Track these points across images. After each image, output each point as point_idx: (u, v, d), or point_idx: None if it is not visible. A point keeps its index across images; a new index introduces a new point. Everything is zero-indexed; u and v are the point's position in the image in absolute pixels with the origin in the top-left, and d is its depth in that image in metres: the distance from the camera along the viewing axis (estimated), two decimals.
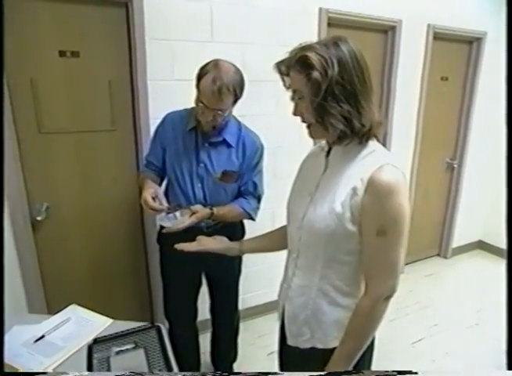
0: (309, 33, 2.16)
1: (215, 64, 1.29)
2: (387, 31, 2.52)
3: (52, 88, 1.65)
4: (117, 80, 1.79)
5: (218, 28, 1.91)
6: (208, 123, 1.35)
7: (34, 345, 1.10)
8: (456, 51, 2.94)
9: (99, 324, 1.22)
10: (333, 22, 2.22)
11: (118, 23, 1.72)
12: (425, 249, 3.40)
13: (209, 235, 1.21)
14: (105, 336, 1.09)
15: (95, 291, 1.97)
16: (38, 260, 1.76)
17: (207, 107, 1.29)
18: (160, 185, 1.50)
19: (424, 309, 2.68)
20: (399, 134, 2.75)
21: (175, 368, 0.98)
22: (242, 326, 1.94)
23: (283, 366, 1.13)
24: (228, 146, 1.45)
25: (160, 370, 0.96)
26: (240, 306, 1.85)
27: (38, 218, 1.70)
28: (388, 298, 0.86)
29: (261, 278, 2.40)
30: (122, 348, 1.02)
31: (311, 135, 0.91)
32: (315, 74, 0.79)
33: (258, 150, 1.51)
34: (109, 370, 0.96)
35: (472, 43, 2.96)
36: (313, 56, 0.79)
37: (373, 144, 0.88)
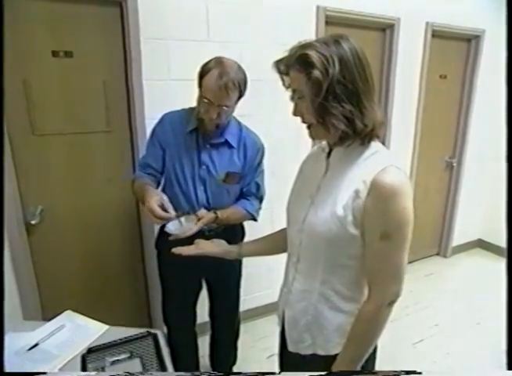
0: (307, 31, 2.13)
1: (219, 61, 1.27)
2: (386, 29, 2.49)
3: (45, 89, 1.61)
4: (112, 80, 1.75)
5: (215, 27, 1.88)
6: (212, 121, 1.32)
7: (27, 354, 1.07)
8: (454, 49, 2.92)
9: (95, 331, 1.19)
10: (330, 20, 2.19)
11: (112, 22, 1.69)
12: (425, 248, 3.38)
13: (210, 238, 1.19)
14: (99, 345, 1.05)
15: (92, 296, 1.94)
16: (33, 265, 1.73)
17: (212, 104, 1.27)
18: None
19: (425, 309, 2.66)
20: (398, 133, 2.73)
21: None
22: (242, 328, 1.91)
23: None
24: (230, 146, 1.42)
25: None
26: (240, 308, 1.82)
27: (33, 222, 1.66)
28: (392, 303, 0.84)
29: (261, 279, 2.38)
30: (117, 358, 0.98)
31: (312, 135, 0.88)
32: (316, 73, 0.76)
33: (260, 151, 1.49)
34: None
35: (470, 41, 2.94)
36: (313, 55, 0.76)
37: (375, 145, 0.85)
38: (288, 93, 0.87)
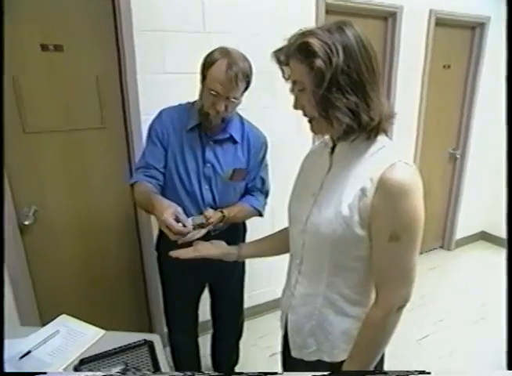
0: (307, 21, 2.06)
1: (225, 51, 1.21)
2: (388, 18, 2.41)
3: (35, 84, 1.55)
4: (105, 75, 1.69)
5: (210, 18, 1.80)
6: (219, 114, 1.25)
7: (19, 363, 1.02)
8: (458, 37, 2.83)
9: (90, 337, 1.14)
10: (331, 9, 2.12)
11: (104, 14, 1.62)
12: (428, 241, 3.33)
13: (215, 237, 1.15)
14: (91, 356, 1.00)
15: (91, 298, 1.90)
16: (28, 267, 1.68)
17: (219, 96, 1.21)
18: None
19: (429, 303, 2.62)
20: (400, 124, 2.61)
21: None
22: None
23: None
24: (234, 142, 1.36)
25: None
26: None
27: (26, 223, 1.61)
28: (401, 308, 0.79)
29: (262, 276, 2.33)
30: (111, 373, 0.92)
31: (314, 130, 0.82)
32: (318, 63, 0.70)
33: (264, 144, 1.44)
34: None
35: (475, 29, 2.86)
36: (315, 43, 0.70)
37: (382, 140, 0.80)
38: (288, 85, 0.81)
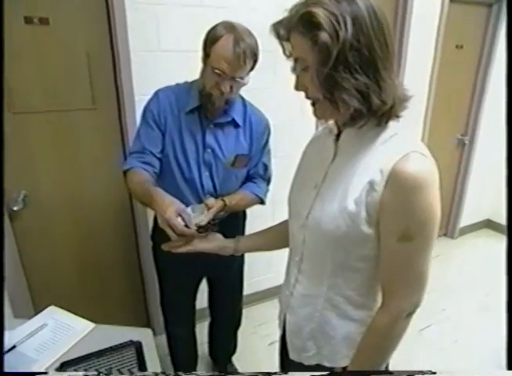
0: None
1: (230, 25, 1.10)
2: None
3: (19, 60, 1.44)
4: (96, 51, 1.58)
5: None
6: (223, 95, 1.15)
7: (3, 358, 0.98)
8: (473, 15, 2.67)
9: (79, 330, 1.09)
10: None
11: None
12: None
13: (214, 225, 1.06)
14: (73, 359, 0.94)
15: (85, 287, 1.85)
16: (19, 256, 1.63)
17: (224, 75, 1.10)
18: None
19: (432, 292, 2.51)
20: (408, 106, 2.54)
21: None
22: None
23: None
24: (236, 126, 1.27)
25: None
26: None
27: (15, 208, 1.54)
28: (411, 314, 0.72)
29: (261, 263, 2.28)
30: (94, 373, 0.87)
31: (317, 114, 0.73)
32: (323, 36, 0.60)
33: (266, 129, 1.35)
34: None
35: (492, 6, 2.69)
36: (320, 13, 0.60)
37: (394, 126, 0.71)
38: (290, 63, 0.72)
